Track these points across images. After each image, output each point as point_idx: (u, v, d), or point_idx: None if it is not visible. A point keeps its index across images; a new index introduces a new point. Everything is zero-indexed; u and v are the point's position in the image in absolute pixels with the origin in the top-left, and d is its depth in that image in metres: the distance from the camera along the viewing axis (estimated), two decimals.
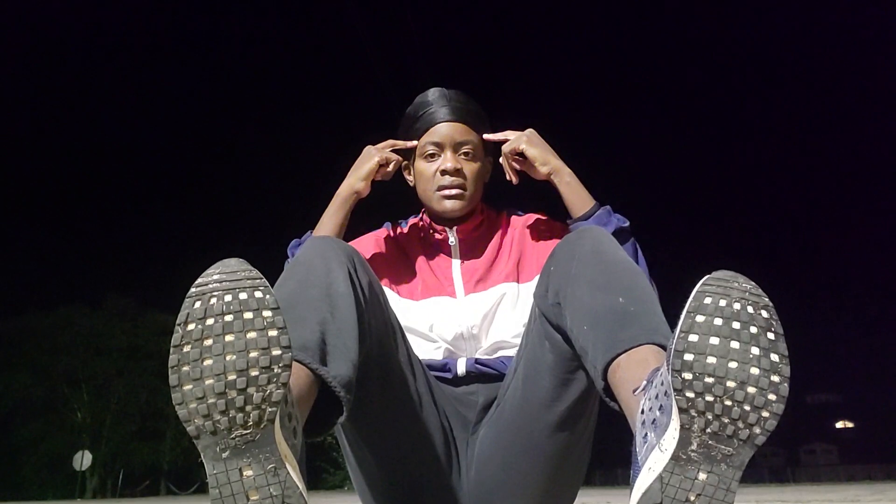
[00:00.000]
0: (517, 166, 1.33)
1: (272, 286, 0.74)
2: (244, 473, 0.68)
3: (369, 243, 1.41)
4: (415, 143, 1.37)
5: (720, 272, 0.72)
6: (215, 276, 0.70)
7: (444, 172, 1.32)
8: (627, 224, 1.24)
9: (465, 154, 1.34)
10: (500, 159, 1.36)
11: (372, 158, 1.34)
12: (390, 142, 1.39)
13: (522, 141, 1.31)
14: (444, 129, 1.33)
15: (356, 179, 1.33)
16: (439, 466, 1.14)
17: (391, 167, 1.36)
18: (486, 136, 1.38)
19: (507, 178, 1.35)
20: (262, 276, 0.72)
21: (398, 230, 1.45)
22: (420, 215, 1.43)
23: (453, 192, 1.32)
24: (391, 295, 1.32)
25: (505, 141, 1.35)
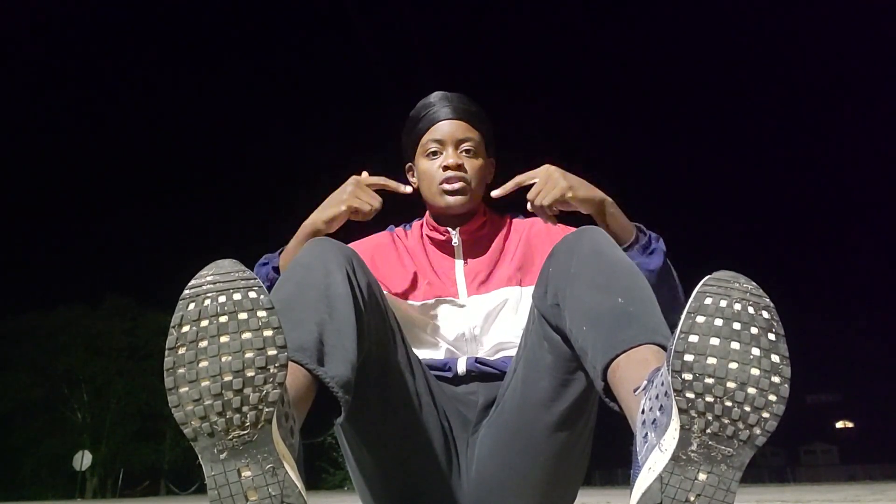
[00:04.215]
0: (557, 210, 1.21)
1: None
2: (242, 474, 0.68)
3: (371, 245, 1.41)
4: (408, 188, 1.31)
5: (721, 272, 0.71)
6: (209, 278, 0.70)
7: (445, 168, 1.32)
8: (664, 247, 1.20)
9: (467, 151, 1.34)
10: (529, 207, 1.22)
11: (340, 206, 1.23)
12: (380, 180, 1.28)
13: (564, 189, 1.18)
14: (446, 127, 1.34)
15: (320, 221, 1.24)
16: (439, 466, 1.14)
17: (362, 215, 1.25)
18: (495, 193, 1.26)
19: (546, 222, 1.23)
20: (255, 276, 0.72)
21: (401, 233, 1.45)
22: (423, 218, 1.43)
23: (455, 186, 1.31)
24: (393, 296, 1.32)
25: (523, 185, 1.23)
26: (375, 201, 1.25)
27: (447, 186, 1.31)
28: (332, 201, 1.26)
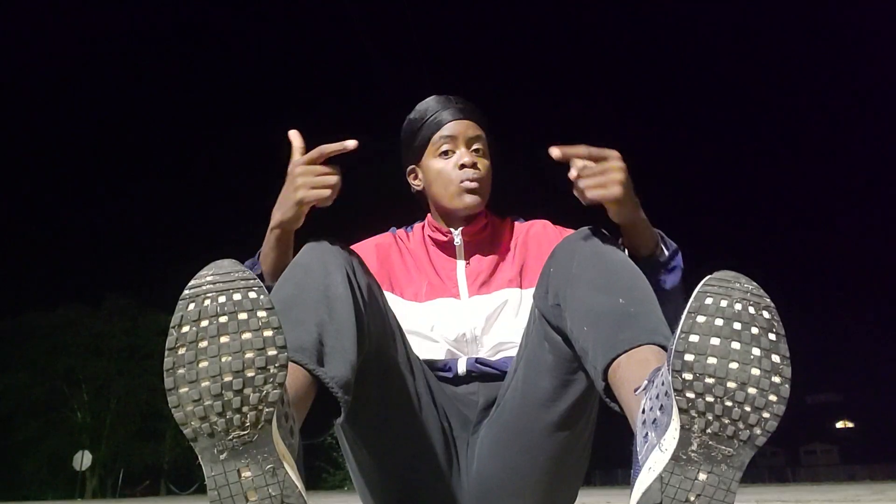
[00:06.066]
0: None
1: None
2: (242, 474, 0.68)
3: (372, 246, 1.41)
4: (353, 142, 1.09)
5: (722, 272, 0.71)
6: (208, 278, 0.70)
7: (463, 166, 1.31)
8: (682, 264, 1.13)
9: (477, 151, 1.34)
10: (571, 176, 1.04)
11: (294, 207, 1.08)
12: (323, 150, 1.09)
13: (614, 197, 1.02)
14: (456, 126, 1.33)
15: (284, 224, 1.11)
16: (439, 466, 1.14)
17: (323, 201, 1.08)
18: (555, 151, 1.03)
19: (580, 197, 1.06)
20: (255, 276, 0.72)
21: (402, 234, 1.45)
22: (425, 220, 1.42)
23: (473, 185, 1.31)
24: (395, 297, 1.32)
25: (585, 154, 1.04)
26: (331, 179, 1.07)
27: (468, 185, 1.30)
28: (285, 202, 1.10)
